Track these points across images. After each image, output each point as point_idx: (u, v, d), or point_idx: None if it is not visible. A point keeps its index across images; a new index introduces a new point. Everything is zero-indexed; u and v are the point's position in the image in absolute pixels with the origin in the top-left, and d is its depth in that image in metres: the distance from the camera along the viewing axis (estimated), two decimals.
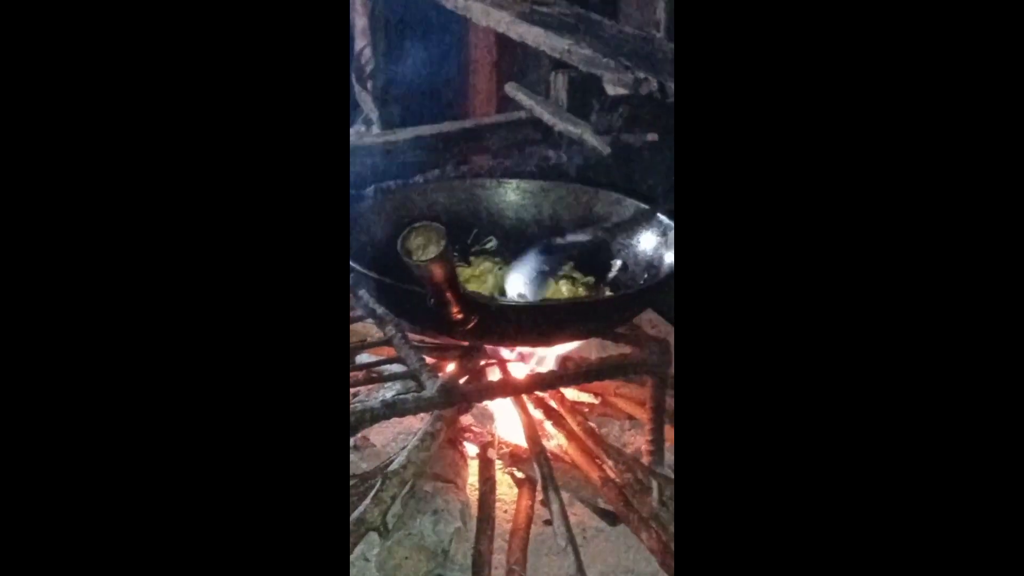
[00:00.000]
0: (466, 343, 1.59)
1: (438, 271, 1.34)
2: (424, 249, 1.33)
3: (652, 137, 2.66)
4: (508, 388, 1.53)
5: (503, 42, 3.18)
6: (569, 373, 1.56)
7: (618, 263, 1.72)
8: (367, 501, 1.41)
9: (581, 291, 1.66)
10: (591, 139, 2.45)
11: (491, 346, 1.60)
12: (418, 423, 1.62)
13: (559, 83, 2.63)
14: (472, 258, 1.71)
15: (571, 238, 1.66)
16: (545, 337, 1.52)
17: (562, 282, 1.68)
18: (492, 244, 1.76)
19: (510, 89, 2.86)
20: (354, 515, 1.37)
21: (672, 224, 1.64)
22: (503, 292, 1.64)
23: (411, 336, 1.57)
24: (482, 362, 1.61)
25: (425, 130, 2.76)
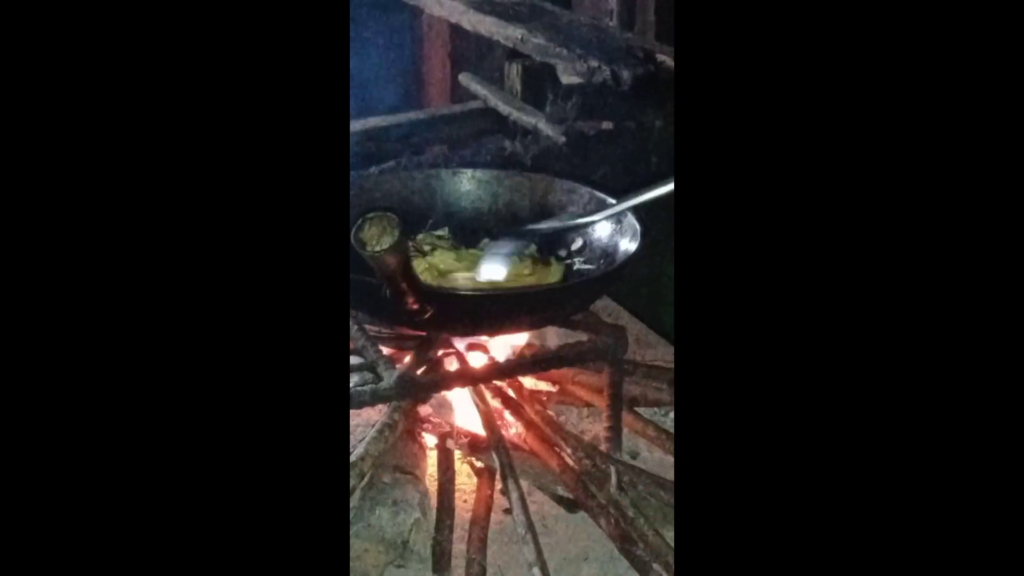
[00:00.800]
0: (423, 334, 1.59)
1: (393, 261, 1.34)
2: (378, 239, 1.33)
3: (606, 126, 2.66)
4: (466, 378, 1.53)
5: (456, 31, 3.18)
6: (527, 361, 1.57)
7: (579, 242, 1.73)
8: None
9: (553, 269, 1.66)
10: (545, 128, 2.45)
11: (448, 336, 1.59)
12: (376, 415, 1.61)
13: (513, 72, 2.63)
14: (426, 247, 1.70)
15: (543, 225, 1.65)
16: (502, 326, 1.52)
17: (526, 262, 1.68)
18: (444, 233, 1.75)
19: (464, 79, 2.85)
20: None
21: (627, 212, 1.64)
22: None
23: (367, 327, 1.56)
24: (439, 352, 1.61)
25: (379, 121, 2.74)
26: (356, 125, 2.73)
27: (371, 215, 1.33)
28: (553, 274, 1.67)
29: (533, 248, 1.70)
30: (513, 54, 2.72)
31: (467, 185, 1.78)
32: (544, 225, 1.65)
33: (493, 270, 1.58)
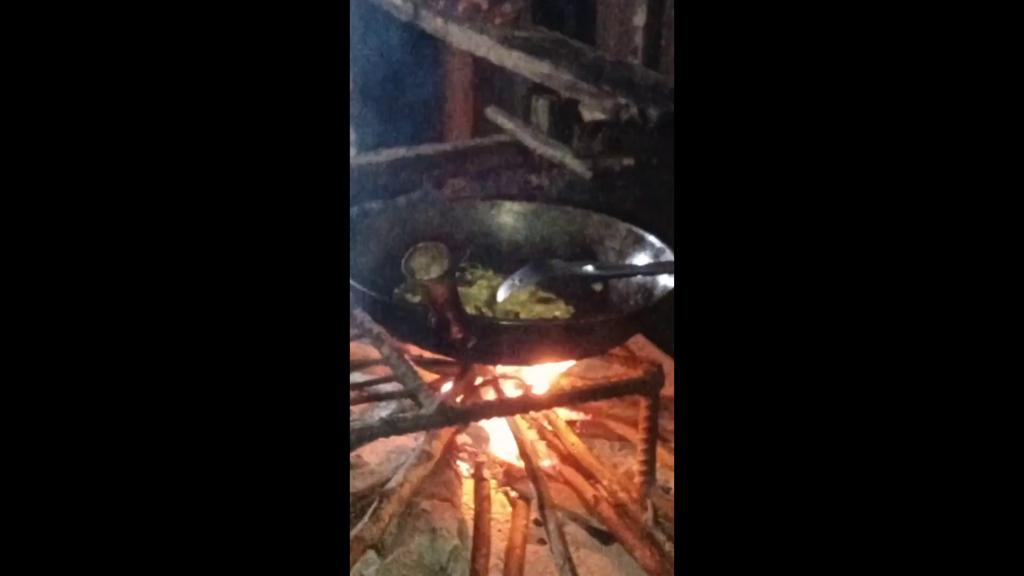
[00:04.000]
0: (463, 362, 1.60)
1: (440, 290, 1.36)
2: (427, 269, 1.35)
3: (627, 162, 2.68)
4: (504, 407, 1.55)
5: (480, 65, 3.21)
6: (564, 393, 1.58)
7: (598, 287, 1.74)
8: (365, 519, 1.41)
9: (558, 313, 1.68)
10: (572, 163, 2.47)
11: (488, 365, 1.61)
12: (411, 442, 1.62)
13: (540, 107, 2.65)
14: (468, 276, 1.72)
15: (569, 268, 1.65)
16: (541, 357, 1.53)
17: (537, 305, 1.70)
18: (489, 273, 1.77)
19: (491, 113, 2.88)
20: (352, 533, 1.38)
21: (664, 247, 1.66)
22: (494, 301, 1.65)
23: (407, 354, 1.58)
24: (478, 381, 1.62)
25: (404, 152, 2.76)
26: (382, 156, 2.76)
27: (421, 244, 1.35)
28: (557, 311, 1.69)
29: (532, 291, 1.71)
30: (538, 89, 2.74)
31: (505, 217, 1.80)
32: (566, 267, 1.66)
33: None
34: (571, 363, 1.66)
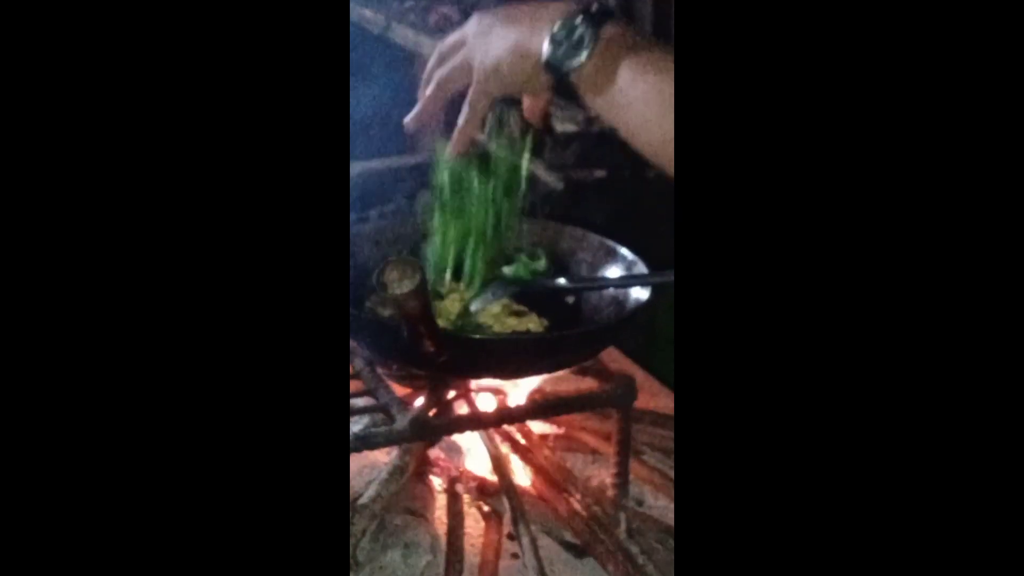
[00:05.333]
0: (435, 376, 1.59)
1: (413, 304, 1.35)
2: (400, 282, 1.34)
3: (599, 174, 2.69)
4: (477, 421, 1.54)
5: None
6: (536, 406, 1.58)
7: (570, 299, 1.74)
8: None
9: (531, 326, 1.67)
10: (544, 175, 2.47)
11: (461, 379, 1.60)
12: (383, 457, 1.61)
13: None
14: (441, 290, 1.71)
15: (542, 280, 1.65)
16: (515, 370, 1.53)
17: (510, 318, 1.69)
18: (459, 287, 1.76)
19: None
20: None
21: (636, 260, 1.66)
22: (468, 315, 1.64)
23: (378, 368, 1.57)
24: (450, 394, 1.62)
25: (375, 164, 2.75)
26: (351, 169, 2.75)
27: (393, 258, 1.35)
28: (530, 324, 1.68)
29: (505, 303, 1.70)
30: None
31: None
32: (551, 282, 1.66)
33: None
34: (544, 376, 1.65)
